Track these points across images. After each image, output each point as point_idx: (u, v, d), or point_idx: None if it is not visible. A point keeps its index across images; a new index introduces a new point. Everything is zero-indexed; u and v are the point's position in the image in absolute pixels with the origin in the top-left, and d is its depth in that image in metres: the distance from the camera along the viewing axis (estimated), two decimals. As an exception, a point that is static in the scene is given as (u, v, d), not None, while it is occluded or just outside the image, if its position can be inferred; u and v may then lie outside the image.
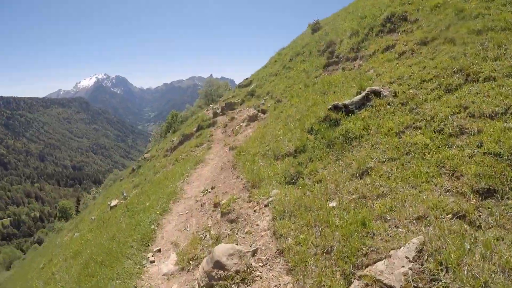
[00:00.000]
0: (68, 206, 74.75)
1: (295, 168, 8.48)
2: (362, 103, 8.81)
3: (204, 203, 9.87)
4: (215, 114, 24.45)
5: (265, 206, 7.73)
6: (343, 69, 13.92)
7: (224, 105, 25.08)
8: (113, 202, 18.37)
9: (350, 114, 8.75)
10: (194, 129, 23.94)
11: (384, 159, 6.68)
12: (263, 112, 17.29)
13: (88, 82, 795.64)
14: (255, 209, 7.89)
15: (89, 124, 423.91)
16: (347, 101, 9.02)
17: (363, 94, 8.91)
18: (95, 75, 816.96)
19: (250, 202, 8.32)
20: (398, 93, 8.41)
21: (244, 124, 17.32)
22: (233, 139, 15.78)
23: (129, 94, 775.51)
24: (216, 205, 9.12)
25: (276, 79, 21.09)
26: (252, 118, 17.27)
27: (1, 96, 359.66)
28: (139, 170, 28.63)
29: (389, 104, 8.27)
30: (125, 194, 18.71)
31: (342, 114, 8.84)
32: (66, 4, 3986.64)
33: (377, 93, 8.71)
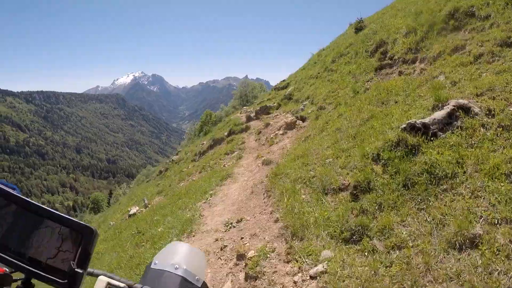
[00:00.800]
0: (101, 198, 74.56)
1: (356, 217, 5.52)
2: (447, 123, 6.03)
3: (225, 246, 6.93)
4: (249, 118, 22.34)
5: (312, 278, 4.72)
6: (401, 73, 11.09)
7: (258, 108, 22.82)
8: (133, 210, 16.86)
9: (433, 138, 5.93)
10: (225, 134, 21.99)
11: (496, 220, 4.08)
12: (302, 119, 14.91)
13: (125, 79, 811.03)
14: (295, 279, 4.91)
15: (125, 120, 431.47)
16: (426, 119, 6.17)
17: (447, 109, 6.13)
18: (132, 73, 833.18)
19: (288, 262, 5.39)
20: (495, 111, 5.78)
21: (280, 132, 14.99)
22: (268, 150, 13.42)
23: (165, 92, 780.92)
24: (240, 256, 6.22)
25: (317, 82, 18.62)
26: (290, 126, 14.90)
27: (42, 91, 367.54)
28: (166, 173, 27.20)
29: (484, 126, 5.64)
30: (146, 202, 17.16)
31: (421, 137, 6.02)
32: (106, 3, 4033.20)
33: (465, 109, 5.98)
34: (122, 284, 1.28)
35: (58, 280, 1.06)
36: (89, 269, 1.21)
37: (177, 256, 1.43)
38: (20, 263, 1.08)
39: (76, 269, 1.05)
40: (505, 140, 5.15)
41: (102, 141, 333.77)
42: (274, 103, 22.38)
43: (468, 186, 4.78)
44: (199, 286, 1.36)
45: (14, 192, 1.11)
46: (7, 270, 1.16)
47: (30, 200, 1.11)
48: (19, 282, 1.14)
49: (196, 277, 1.37)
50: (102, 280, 1.27)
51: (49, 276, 1.06)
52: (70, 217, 1.10)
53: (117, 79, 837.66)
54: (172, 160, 30.80)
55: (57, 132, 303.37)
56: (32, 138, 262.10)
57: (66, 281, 1.05)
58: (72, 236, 1.09)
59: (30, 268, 1.07)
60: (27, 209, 1.11)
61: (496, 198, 4.33)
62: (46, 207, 1.12)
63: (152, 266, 1.38)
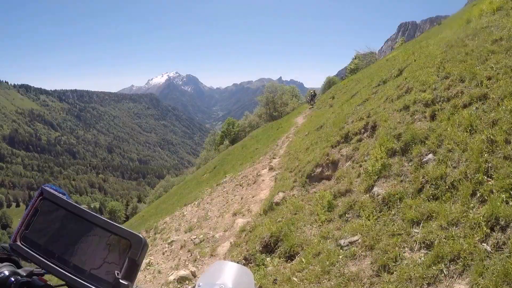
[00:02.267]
0: (118, 208, 71.27)
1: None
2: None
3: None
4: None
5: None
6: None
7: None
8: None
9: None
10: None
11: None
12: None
13: (159, 79, 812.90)
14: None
15: (158, 120, 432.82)
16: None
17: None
18: (166, 73, 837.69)
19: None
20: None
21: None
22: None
23: (198, 93, 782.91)
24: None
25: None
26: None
27: (75, 89, 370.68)
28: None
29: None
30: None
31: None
32: (144, 3, 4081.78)
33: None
34: None
35: None
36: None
37: (222, 276, 1.36)
38: (63, 271, 1.06)
39: (121, 280, 1.03)
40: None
41: (134, 140, 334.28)
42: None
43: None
44: None
45: (64, 198, 1.14)
46: (49, 281, 1.16)
47: (80, 206, 1.13)
48: None
49: None
50: None
51: (92, 287, 1.04)
52: (119, 225, 1.11)
53: (152, 79, 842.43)
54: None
55: (89, 131, 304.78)
56: (64, 136, 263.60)
57: None
58: (120, 245, 1.09)
59: (73, 277, 1.06)
60: (76, 215, 1.12)
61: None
62: (96, 214, 1.13)
63: None
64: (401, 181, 6.40)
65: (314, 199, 8.54)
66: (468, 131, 5.91)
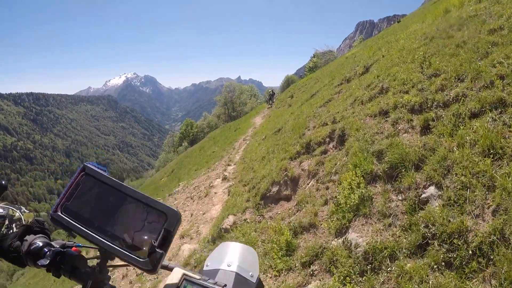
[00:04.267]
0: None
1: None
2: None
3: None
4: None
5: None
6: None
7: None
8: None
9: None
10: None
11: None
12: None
13: (117, 80, 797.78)
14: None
15: (117, 122, 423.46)
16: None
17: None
18: (124, 74, 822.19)
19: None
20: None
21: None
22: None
23: (157, 94, 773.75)
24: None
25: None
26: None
27: (31, 92, 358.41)
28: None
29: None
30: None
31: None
32: (97, 4, 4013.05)
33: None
34: (197, 276, 1.23)
35: (139, 258, 1.09)
36: (164, 263, 1.23)
37: (228, 255, 1.48)
38: (102, 239, 1.12)
39: (157, 249, 1.08)
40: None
41: (93, 144, 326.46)
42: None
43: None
44: (254, 281, 1.39)
45: (105, 174, 1.22)
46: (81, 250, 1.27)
47: (119, 182, 1.19)
48: (94, 263, 1.21)
49: (250, 273, 1.41)
50: (178, 271, 1.24)
51: (131, 254, 1.10)
52: (156, 199, 1.17)
53: (109, 80, 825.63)
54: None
55: (46, 135, 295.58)
56: (20, 142, 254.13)
57: (147, 259, 1.08)
58: (156, 217, 1.14)
59: (111, 244, 1.11)
60: (115, 189, 1.18)
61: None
62: (135, 189, 1.19)
63: (204, 269, 1.43)
64: (390, 225, 4.32)
65: (270, 232, 6.61)
66: (490, 155, 3.87)
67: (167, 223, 1.11)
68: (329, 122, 8.93)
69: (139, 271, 9.23)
